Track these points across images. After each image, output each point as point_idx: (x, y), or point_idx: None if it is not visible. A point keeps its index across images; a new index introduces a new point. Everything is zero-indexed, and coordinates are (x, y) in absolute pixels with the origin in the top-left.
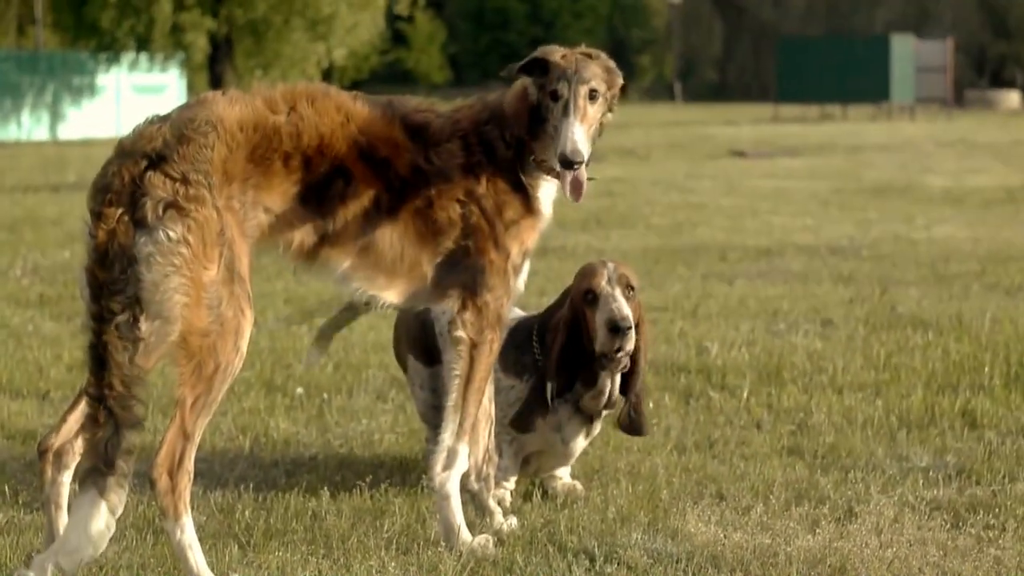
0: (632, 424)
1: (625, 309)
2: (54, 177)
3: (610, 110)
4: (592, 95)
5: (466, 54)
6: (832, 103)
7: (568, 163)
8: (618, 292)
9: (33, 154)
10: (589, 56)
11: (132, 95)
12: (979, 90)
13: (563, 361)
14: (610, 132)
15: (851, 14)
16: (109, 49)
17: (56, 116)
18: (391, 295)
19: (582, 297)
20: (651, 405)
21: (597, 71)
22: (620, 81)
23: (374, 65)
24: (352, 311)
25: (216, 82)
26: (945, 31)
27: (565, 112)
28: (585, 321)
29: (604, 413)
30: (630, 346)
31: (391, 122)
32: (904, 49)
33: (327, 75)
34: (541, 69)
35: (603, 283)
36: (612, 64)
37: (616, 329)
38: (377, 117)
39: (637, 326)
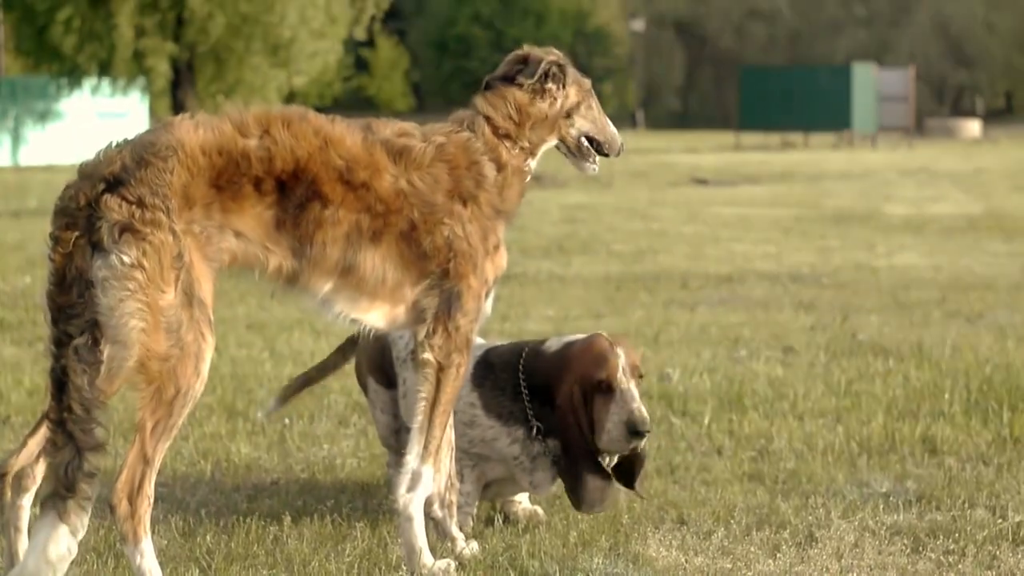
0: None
1: (645, 410)
2: (15, 203)
3: None
4: None
5: (429, 81)
6: (794, 131)
7: (619, 154)
8: (634, 386)
9: None
10: None
11: (94, 120)
12: (940, 119)
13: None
14: None
15: (812, 43)
16: (71, 74)
17: (18, 141)
18: (374, 318)
19: (594, 386)
20: None
21: None
22: None
23: (337, 92)
24: (323, 370)
25: (178, 108)
26: (906, 60)
27: (600, 110)
28: (590, 409)
29: None
30: (644, 444)
31: (372, 145)
32: (866, 78)
33: (289, 101)
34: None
35: (619, 375)
36: None
37: (638, 433)
38: (357, 141)
39: None
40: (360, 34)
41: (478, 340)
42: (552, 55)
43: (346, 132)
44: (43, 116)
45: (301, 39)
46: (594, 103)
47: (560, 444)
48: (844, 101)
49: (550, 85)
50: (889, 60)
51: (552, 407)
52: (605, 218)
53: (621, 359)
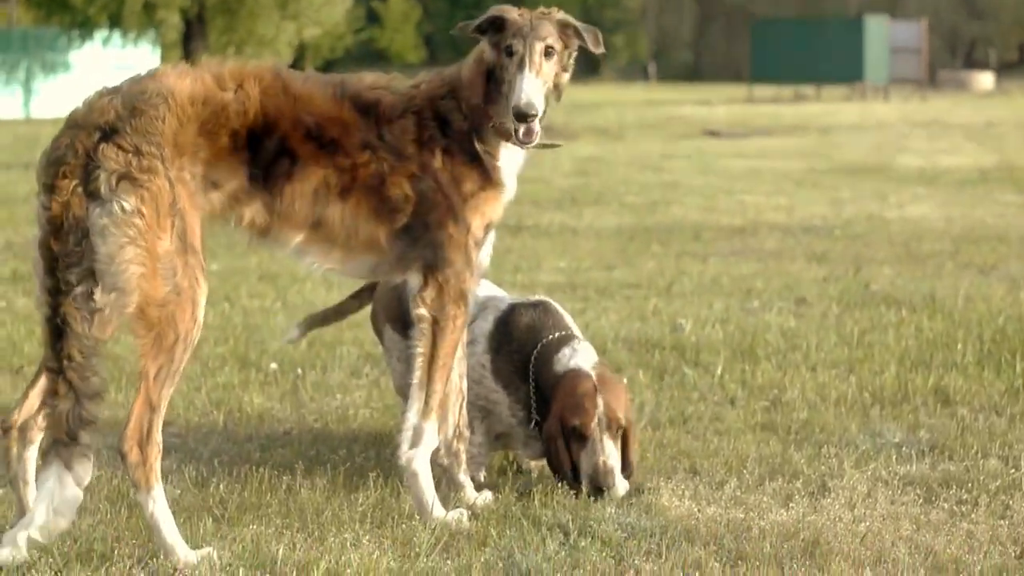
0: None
1: (612, 462)
2: (26, 154)
3: (565, 69)
4: (548, 51)
5: (441, 33)
6: (806, 84)
7: (523, 115)
8: (607, 440)
9: (5, 132)
10: (546, 15)
11: (106, 72)
12: (952, 71)
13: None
14: (584, 111)
15: None
16: (82, 26)
17: (29, 93)
18: (348, 268)
19: (570, 430)
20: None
21: (552, 29)
22: (576, 41)
23: (348, 44)
24: (342, 312)
25: (190, 60)
26: (918, 12)
27: (520, 67)
28: (568, 441)
29: None
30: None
31: (340, 102)
32: (878, 30)
33: (300, 54)
34: (496, 27)
35: (593, 426)
36: (571, 21)
37: (599, 488)
38: (327, 97)
39: (626, 431)
40: None
41: (499, 293)
42: (497, 9)
43: (317, 89)
44: (54, 68)
45: None
46: (513, 62)
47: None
48: (856, 53)
49: (491, 38)
50: (901, 12)
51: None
52: (617, 170)
53: (599, 409)
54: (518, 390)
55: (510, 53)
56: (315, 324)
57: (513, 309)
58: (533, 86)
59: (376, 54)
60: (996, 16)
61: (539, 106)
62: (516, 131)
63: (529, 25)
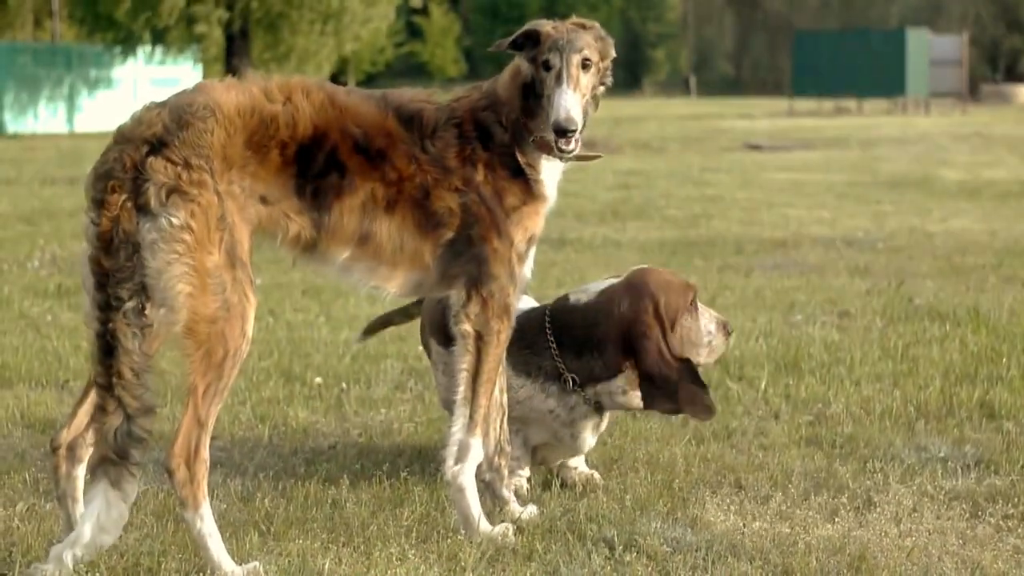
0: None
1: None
2: (71, 169)
3: (603, 83)
4: (585, 64)
5: (481, 47)
6: (847, 97)
7: (562, 131)
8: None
9: (50, 146)
10: (581, 26)
11: (148, 87)
12: (994, 84)
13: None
14: (626, 125)
15: (865, 8)
16: (124, 42)
17: (73, 108)
18: (393, 286)
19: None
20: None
21: (589, 40)
22: (613, 52)
23: (389, 58)
24: (406, 315)
25: (232, 75)
26: (959, 25)
27: (558, 81)
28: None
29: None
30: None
31: (385, 113)
32: (919, 43)
33: (341, 68)
34: (532, 42)
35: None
36: (604, 33)
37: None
38: (371, 110)
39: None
40: (416, 2)
41: (532, 303)
42: (532, 24)
43: (361, 102)
44: (98, 84)
45: (353, 6)
46: (551, 76)
47: (643, 372)
48: (898, 66)
49: (527, 53)
50: (942, 25)
51: (588, 356)
52: (659, 184)
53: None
54: (541, 370)
55: (547, 67)
56: (377, 329)
57: (532, 310)
58: (571, 100)
59: (417, 68)
60: None
61: (578, 120)
62: (556, 142)
63: (565, 38)
